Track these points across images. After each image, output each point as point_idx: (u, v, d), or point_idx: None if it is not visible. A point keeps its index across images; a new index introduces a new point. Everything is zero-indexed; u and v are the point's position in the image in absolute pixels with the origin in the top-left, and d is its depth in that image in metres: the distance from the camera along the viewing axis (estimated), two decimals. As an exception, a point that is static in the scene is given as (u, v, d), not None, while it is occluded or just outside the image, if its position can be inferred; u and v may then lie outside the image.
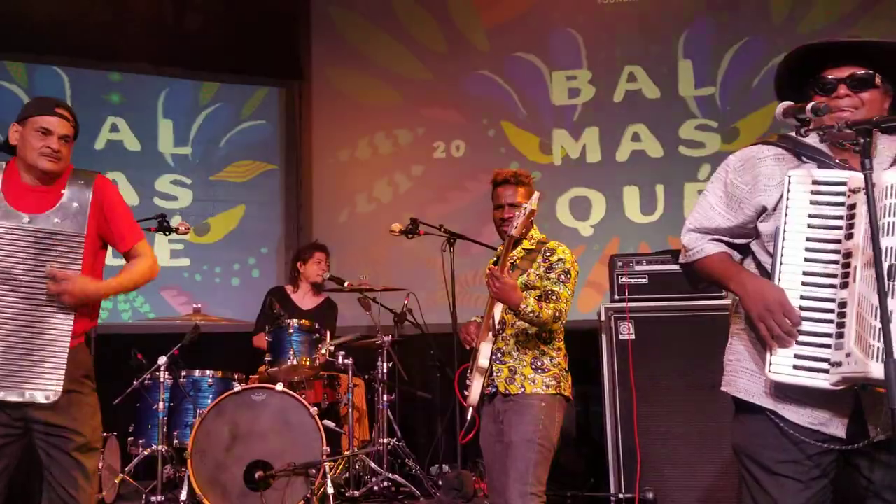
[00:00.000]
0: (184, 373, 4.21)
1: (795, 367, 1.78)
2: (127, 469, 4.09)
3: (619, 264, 4.23)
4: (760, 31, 5.60)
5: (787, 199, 1.81)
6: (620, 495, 3.88)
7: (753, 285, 1.88)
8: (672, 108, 5.71)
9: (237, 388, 3.79)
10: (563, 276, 2.94)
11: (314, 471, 3.64)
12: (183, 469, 3.77)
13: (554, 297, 2.90)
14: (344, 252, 5.83)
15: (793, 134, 1.94)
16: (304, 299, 4.90)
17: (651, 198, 5.67)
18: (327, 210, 6.08)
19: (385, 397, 4.40)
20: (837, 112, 1.85)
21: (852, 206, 1.76)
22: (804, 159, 1.93)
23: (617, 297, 4.17)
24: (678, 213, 5.56)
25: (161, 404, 4.00)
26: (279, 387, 3.76)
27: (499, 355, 2.96)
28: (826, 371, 1.76)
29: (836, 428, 1.84)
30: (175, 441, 4.10)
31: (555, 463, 2.92)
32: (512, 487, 2.79)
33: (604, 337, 4.09)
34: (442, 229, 4.05)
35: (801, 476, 1.87)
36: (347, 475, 4.16)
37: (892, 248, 1.66)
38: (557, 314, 2.87)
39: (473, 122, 5.95)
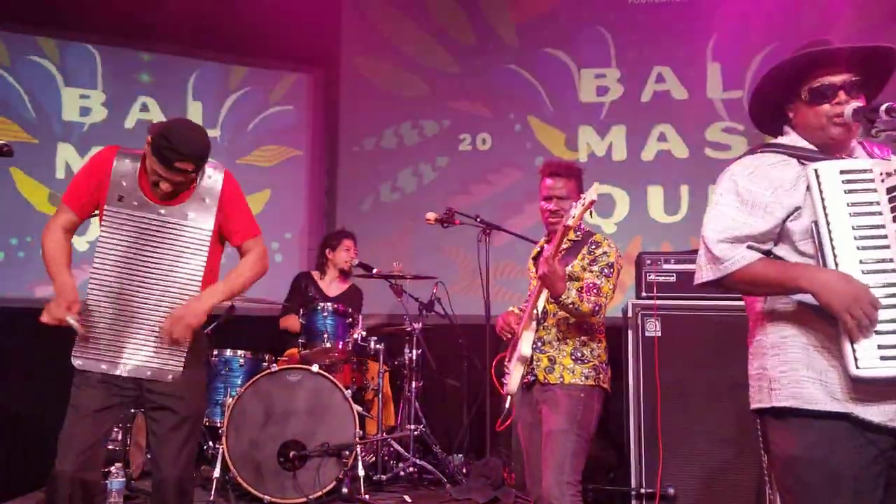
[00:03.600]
0: (215, 352, 4.25)
1: (882, 357, 1.75)
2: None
3: (648, 262, 4.28)
4: (790, 38, 5.64)
5: (821, 191, 1.83)
6: (641, 490, 3.93)
7: (827, 276, 1.81)
8: (699, 109, 5.75)
9: (274, 368, 3.83)
10: (606, 270, 2.97)
11: (347, 452, 3.69)
12: (218, 445, 3.82)
13: (595, 291, 2.92)
14: (366, 241, 5.85)
15: (779, 140, 2.04)
16: (331, 286, 4.95)
17: (675, 198, 5.72)
18: (351, 198, 6.12)
19: (413, 384, 4.45)
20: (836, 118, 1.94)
21: (892, 189, 1.80)
22: (802, 162, 1.96)
23: (644, 294, 4.21)
24: (701, 215, 5.49)
25: (195, 382, 4.03)
26: (315, 368, 3.80)
27: (539, 345, 2.99)
28: None
29: None
30: (205, 419, 4.15)
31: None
32: (549, 476, 2.82)
33: (630, 333, 4.13)
34: (478, 220, 4.09)
35: (872, 479, 1.84)
36: (374, 459, 4.21)
37: None
38: (597, 308, 2.89)
39: (500, 116, 5.99)
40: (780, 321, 1.96)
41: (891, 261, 1.79)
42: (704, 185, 5.68)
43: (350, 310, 4.22)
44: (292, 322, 4.55)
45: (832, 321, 1.82)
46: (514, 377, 2.99)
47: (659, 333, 4.09)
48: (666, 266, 4.26)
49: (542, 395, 2.98)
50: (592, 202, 2.63)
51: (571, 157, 5.82)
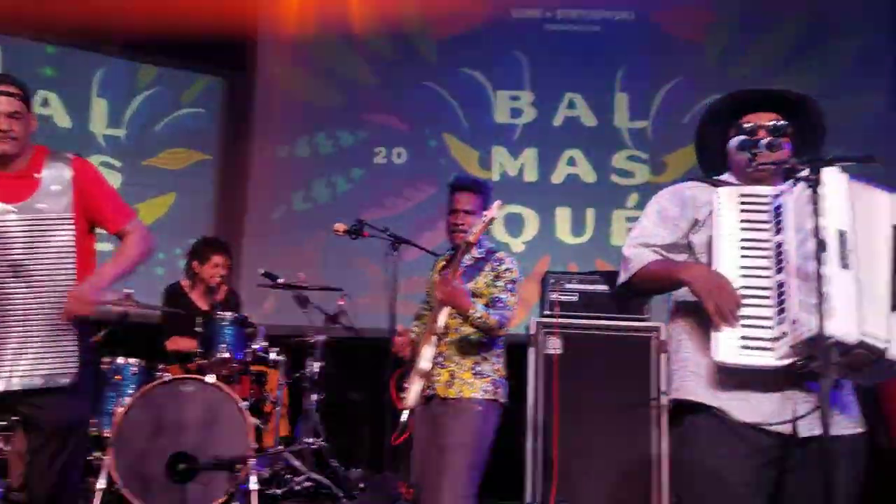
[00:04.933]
0: (107, 359, 4.09)
1: (742, 347, 1.90)
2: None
3: (552, 281, 4.39)
4: (692, 74, 5.92)
5: (718, 211, 2.00)
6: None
7: (700, 268, 2.04)
8: (607, 137, 5.95)
9: (167, 377, 3.71)
10: (510, 285, 3.04)
11: (239, 465, 3.61)
12: (102, 457, 3.67)
13: (501, 304, 2.99)
14: (276, 249, 5.79)
15: (713, 177, 2.21)
16: (205, 297, 4.61)
17: (581, 221, 5.88)
18: (262, 206, 6.02)
19: (313, 397, 4.39)
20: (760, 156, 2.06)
21: (779, 207, 1.96)
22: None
23: (547, 312, 4.31)
24: (605, 238, 5.80)
25: (82, 390, 3.86)
26: (210, 379, 3.71)
27: (440, 359, 3.02)
28: (770, 349, 1.88)
29: (780, 424, 1.93)
30: (93, 429, 3.97)
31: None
32: (445, 489, 2.85)
33: (532, 350, 4.22)
34: (387, 233, 4.09)
35: (753, 484, 1.94)
36: (270, 473, 4.12)
37: (822, 227, 1.82)
38: (504, 321, 2.96)
39: (416, 131, 6.03)
40: (677, 327, 2.16)
41: (767, 268, 1.94)
42: (609, 210, 5.87)
43: (250, 319, 4.13)
44: (181, 343, 4.34)
45: None
46: (412, 391, 2.99)
47: (560, 351, 4.20)
48: (568, 286, 4.39)
49: (440, 410, 3.01)
50: (492, 219, 2.69)
51: (485, 176, 5.90)
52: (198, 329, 4.01)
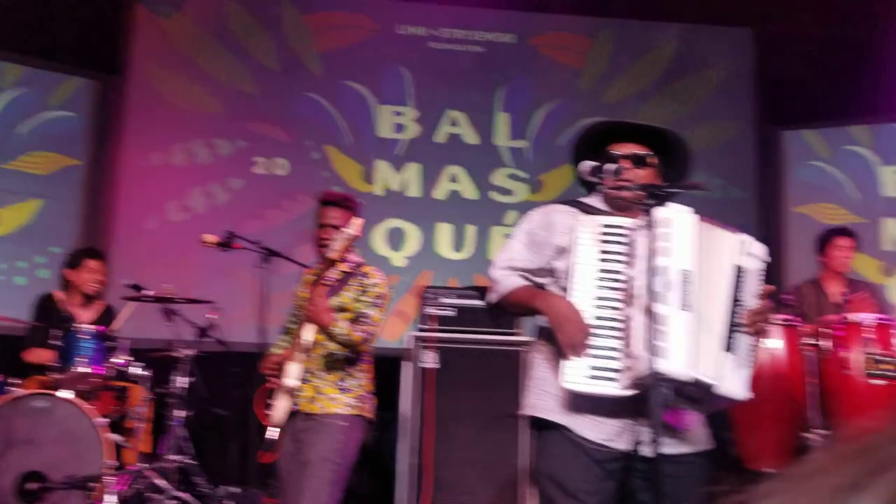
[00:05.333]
0: (-48, 374, 3.83)
1: (588, 376, 2.01)
2: None
3: (430, 295, 4.45)
4: (569, 97, 6.15)
5: (579, 240, 2.09)
6: (407, 517, 4.02)
7: (555, 300, 2.14)
8: (488, 155, 6.08)
9: (18, 392, 3.51)
10: (376, 300, 3.06)
11: (94, 484, 3.45)
12: (-60, 480, 3.42)
13: (366, 320, 3.01)
14: (149, 260, 5.56)
15: (581, 200, 2.33)
16: (79, 309, 4.43)
17: (461, 236, 5.98)
18: (134, 215, 5.77)
19: (180, 412, 4.24)
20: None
21: (632, 242, 2.07)
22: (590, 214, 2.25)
23: (423, 326, 4.36)
24: (484, 254, 5.92)
25: (-80, 407, 3.60)
26: (64, 394, 3.53)
27: (305, 375, 3.00)
28: (615, 379, 1.99)
29: (624, 444, 2.06)
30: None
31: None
32: (305, 505, 2.84)
33: (408, 364, 4.26)
34: (259, 245, 4.03)
35: (595, 491, 2.06)
36: (130, 492, 3.95)
37: (665, 266, 1.96)
38: (368, 336, 2.98)
39: (298, 142, 5.97)
40: (536, 349, 2.28)
41: (619, 300, 2.05)
42: (488, 226, 6.00)
43: (111, 332, 3.96)
44: (40, 355, 4.11)
45: None
46: (278, 408, 2.97)
47: (437, 365, 4.26)
48: (446, 300, 4.46)
49: (303, 425, 2.99)
50: (354, 236, 2.71)
51: (367, 190, 5.93)
52: (53, 342, 3.81)
